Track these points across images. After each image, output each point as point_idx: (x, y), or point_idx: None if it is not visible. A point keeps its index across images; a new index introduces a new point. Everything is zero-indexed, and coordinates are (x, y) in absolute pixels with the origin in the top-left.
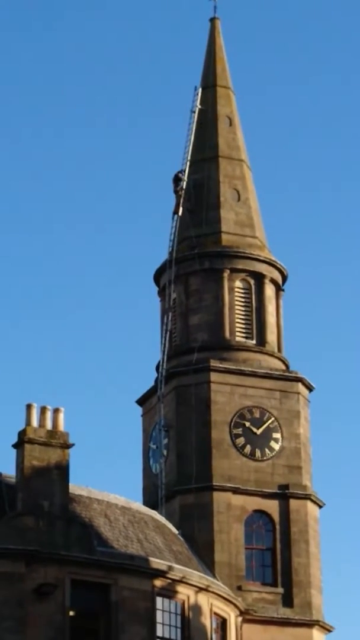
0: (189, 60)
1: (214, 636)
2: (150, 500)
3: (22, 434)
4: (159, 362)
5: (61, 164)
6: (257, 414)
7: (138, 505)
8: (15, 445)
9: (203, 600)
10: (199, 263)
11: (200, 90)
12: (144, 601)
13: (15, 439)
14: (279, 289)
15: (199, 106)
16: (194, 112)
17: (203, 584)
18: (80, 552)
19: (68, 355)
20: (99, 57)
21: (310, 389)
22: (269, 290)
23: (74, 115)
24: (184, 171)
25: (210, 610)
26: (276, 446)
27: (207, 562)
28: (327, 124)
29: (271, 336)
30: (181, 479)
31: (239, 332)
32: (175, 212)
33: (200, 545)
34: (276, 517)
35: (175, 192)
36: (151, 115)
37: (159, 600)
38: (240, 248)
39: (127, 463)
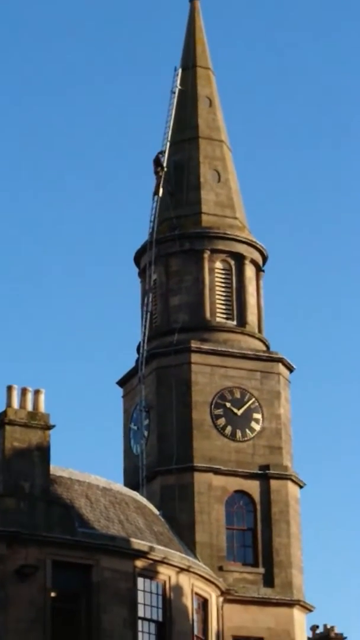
0: (168, 41)
1: (195, 616)
2: (131, 481)
3: (2, 415)
4: (140, 343)
5: (43, 145)
6: (237, 395)
7: (119, 486)
8: None
9: (184, 580)
10: (179, 244)
11: (180, 70)
12: (125, 582)
13: None
14: (259, 269)
15: (179, 87)
16: (174, 92)
17: (184, 565)
18: (62, 533)
19: (49, 337)
20: (78, 37)
21: (290, 369)
22: (249, 271)
23: (53, 97)
24: (164, 152)
25: (192, 590)
26: (257, 427)
27: (188, 543)
28: (308, 104)
29: (251, 317)
30: (162, 459)
31: (220, 313)
32: (156, 193)
33: (181, 526)
34: (257, 497)
35: (156, 173)
36: (130, 96)
37: (140, 580)
38: (221, 229)
39: (108, 444)
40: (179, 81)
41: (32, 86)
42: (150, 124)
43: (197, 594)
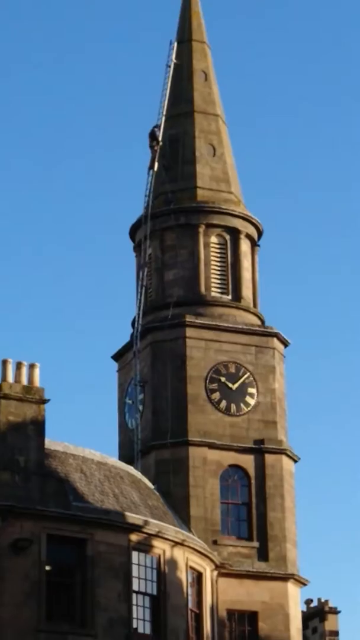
0: (164, 15)
1: (189, 590)
2: (126, 455)
3: None
4: (135, 318)
5: (37, 121)
6: (232, 369)
7: (114, 460)
8: None
9: (179, 554)
10: (175, 218)
11: (175, 44)
12: (120, 556)
13: None
14: (254, 244)
15: (175, 61)
16: (170, 66)
17: (179, 539)
18: (56, 507)
19: (44, 311)
20: (73, 11)
21: (285, 344)
22: (245, 245)
23: (47, 71)
24: (160, 126)
25: (186, 564)
26: (251, 401)
27: (183, 517)
28: (303, 77)
29: (246, 291)
30: (157, 434)
31: (215, 287)
32: (151, 167)
33: (176, 500)
34: (251, 471)
35: (151, 147)
36: (126, 71)
37: (134, 554)
38: (216, 203)
39: (103, 418)
40: (174, 55)
41: (26, 60)
42: (145, 98)
43: (191, 567)
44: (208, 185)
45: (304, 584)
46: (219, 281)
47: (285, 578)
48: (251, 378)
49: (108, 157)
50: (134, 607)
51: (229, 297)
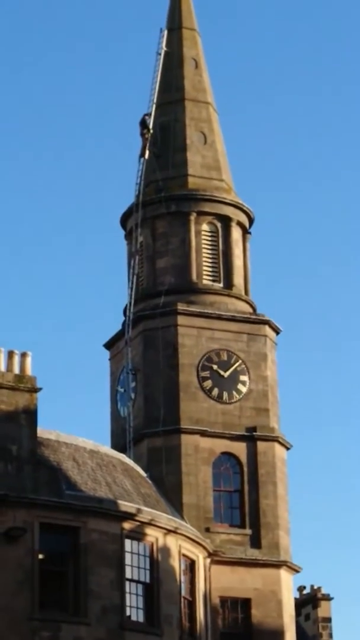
0: (154, 2)
1: (182, 577)
2: (119, 443)
3: None
4: (126, 306)
5: (25, 106)
6: (224, 357)
7: (106, 448)
8: None
9: (171, 542)
10: (166, 206)
11: (165, 32)
12: (113, 544)
13: None
14: (245, 232)
15: (165, 48)
16: (160, 54)
17: (171, 526)
18: (49, 496)
19: (36, 299)
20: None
21: (277, 331)
22: (236, 233)
23: (36, 56)
24: (150, 114)
25: (179, 552)
26: (243, 389)
27: (176, 505)
28: (294, 64)
29: (238, 279)
30: (149, 422)
31: (206, 275)
32: (142, 155)
33: (169, 488)
34: (244, 459)
35: (142, 135)
36: (116, 58)
37: (127, 542)
38: (207, 191)
39: (95, 407)
40: (164, 43)
41: (15, 49)
42: (136, 86)
43: (184, 555)
44: (199, 173)
45: (297, 571)
46: (210, 269)
47: (277, 565)
48: (243, 365)
49: (99, 145)
50: (127, 595)
51: (221, 284)
